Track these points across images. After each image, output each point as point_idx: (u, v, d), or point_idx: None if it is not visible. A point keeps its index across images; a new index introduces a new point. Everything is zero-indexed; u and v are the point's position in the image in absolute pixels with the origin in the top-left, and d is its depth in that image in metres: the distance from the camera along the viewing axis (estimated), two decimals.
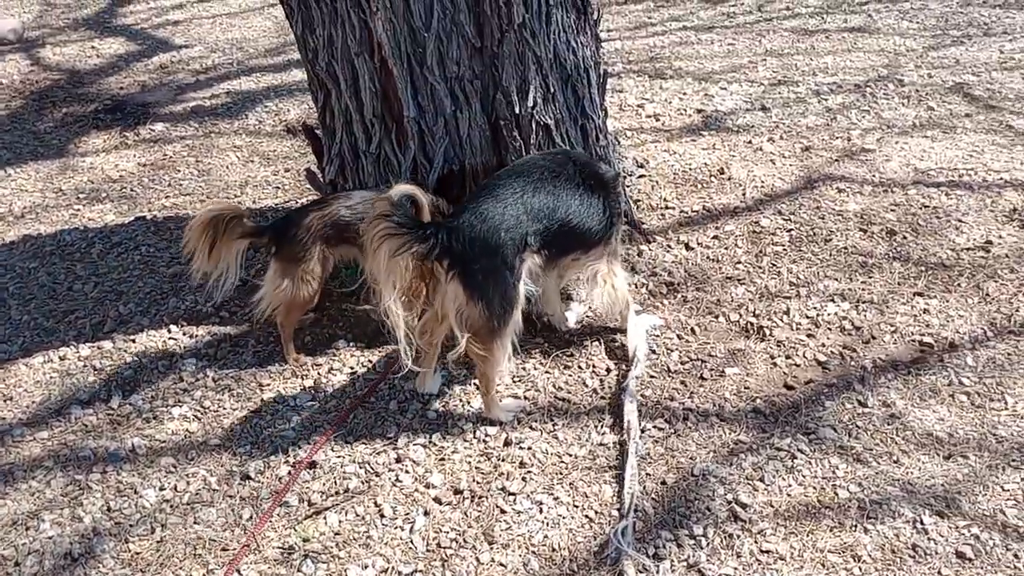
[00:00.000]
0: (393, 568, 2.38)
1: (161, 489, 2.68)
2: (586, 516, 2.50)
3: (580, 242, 2.92)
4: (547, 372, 3.08)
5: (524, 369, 3.09)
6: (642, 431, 2.77)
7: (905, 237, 3.69)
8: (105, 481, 2.73)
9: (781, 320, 3.24)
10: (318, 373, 3.14)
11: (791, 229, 3.80)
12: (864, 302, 3.30)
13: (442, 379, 3.04)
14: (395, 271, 2.52)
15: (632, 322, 3.13)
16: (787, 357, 3.06)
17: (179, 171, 4.80)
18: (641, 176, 4.29)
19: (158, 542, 2.50)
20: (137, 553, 2.47)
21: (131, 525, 2.56)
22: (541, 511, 2.53)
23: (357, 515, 2.56)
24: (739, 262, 3.60)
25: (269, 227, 3.17)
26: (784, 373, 3.00)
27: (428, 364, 2.92)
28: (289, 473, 2.70)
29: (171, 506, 2.62)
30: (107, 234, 4.15)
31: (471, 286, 2.61)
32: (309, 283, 3.10)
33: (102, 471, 2.76)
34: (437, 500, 2.58)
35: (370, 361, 3.18)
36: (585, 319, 3.31)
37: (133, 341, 3.35)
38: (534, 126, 3.29)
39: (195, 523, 2.55)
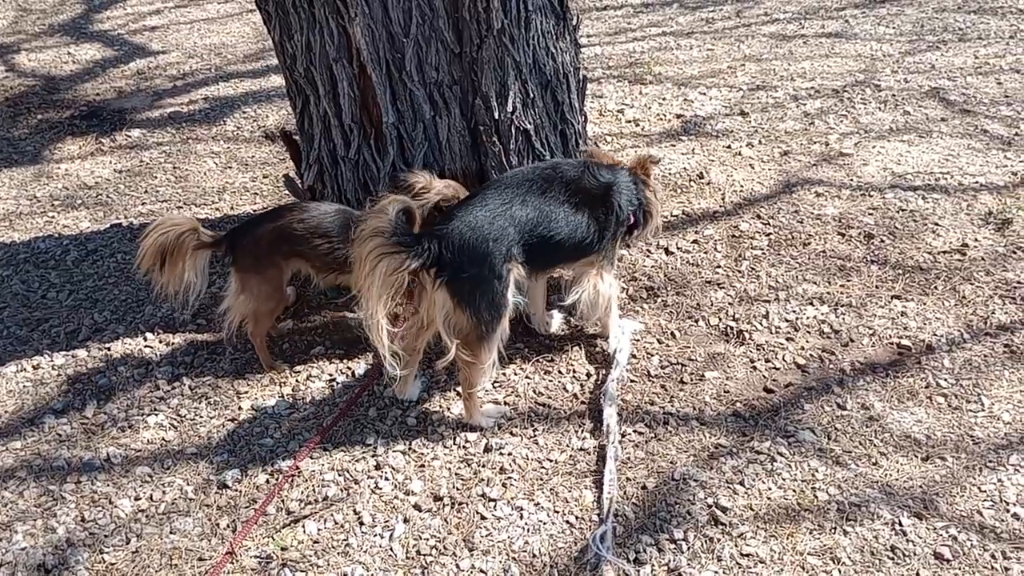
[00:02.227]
0: None
1: (136, 499, 2.64)
2: (566, 521, 2.49)
3: (564, 257, 2.94)
4: (528, 377, 3.08)
5: (504, 374, 3.08)
6: (622, 436, 2.76)
7: (882, 240, 3.71)
8: (79, 491, 2.69)
9: (760, 324, 3.25)
10: (296, 380, 3.12)
11: (770, 233, 3.82)
12: (842, 305, 3.32)
13: (422, 385, 3.02)
14: (390, 288, 2.49)
15: (614, 326, 3.14)
16: (766, 360, 3.07)
17: (156, 177, 4.76)
18: None
19: (133, 552, 2.46)
20: (112, 564, 2.43)
21: (106, 536, 2.52)
22: (521, 517, 2.51)
23: (336, 523, 2.53)
24: (718, 266, 3.61)
25: (225, 237, 3.11)
26: (763, 376, 3.01)
27: (409, 370, 2.91)
28: (267, 482, 2.67)
29: (147, 516, 2.59)
30: (82, 241, 4.10)
31: (459, 294, 2.60)
32: (269, 295, 3.08)
33: (76, 481, 2.72)
34: (417, 507, 2.57)
35: (349, 368, 3.15)
36: (567, 323, 3.30)
37: (108, 349, 3.31)
38: (513, 131, 3.28)
39: (171, 533, 2.52)
